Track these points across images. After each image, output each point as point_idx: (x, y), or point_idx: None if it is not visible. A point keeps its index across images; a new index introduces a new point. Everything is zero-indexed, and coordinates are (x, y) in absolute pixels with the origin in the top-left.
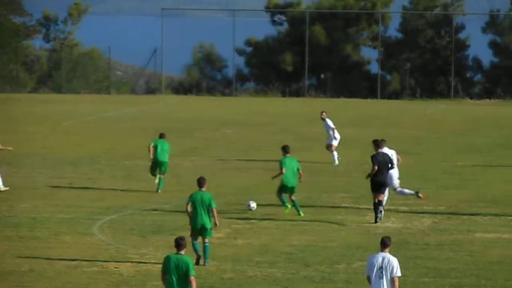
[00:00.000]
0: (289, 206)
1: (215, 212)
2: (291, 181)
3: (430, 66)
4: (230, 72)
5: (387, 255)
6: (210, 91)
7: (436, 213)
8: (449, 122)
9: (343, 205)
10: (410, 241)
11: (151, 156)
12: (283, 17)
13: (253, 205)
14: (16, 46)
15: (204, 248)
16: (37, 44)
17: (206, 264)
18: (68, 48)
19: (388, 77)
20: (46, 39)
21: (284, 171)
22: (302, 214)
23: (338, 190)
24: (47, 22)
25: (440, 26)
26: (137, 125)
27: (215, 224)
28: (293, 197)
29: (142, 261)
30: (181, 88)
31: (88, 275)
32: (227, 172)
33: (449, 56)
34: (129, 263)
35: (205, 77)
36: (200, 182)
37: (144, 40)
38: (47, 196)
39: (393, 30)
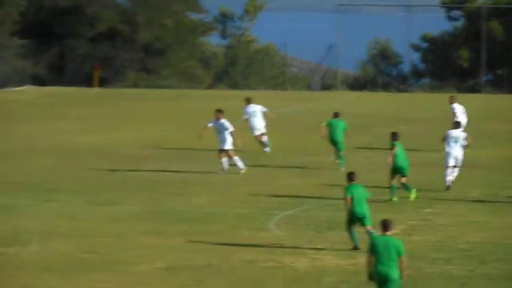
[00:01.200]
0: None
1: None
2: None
3: None
4: (406, 68)
5: None
6: (385, 87)
7: None
8: None
9: None
10: None
11: (323, 134)
12: (459, 13)
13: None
14: (193, 43)
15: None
16: (213, 41)
17: None
18: (244, 45)
19: None
20: (223, 35)
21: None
22: (412, 196)
23: None
24: (224, 18)
25: None
26: (313, 121)
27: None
28: (403, 180)
29: (318, 256)
30: (356, 84)
31: (264, 270)
32: None
33: None
34: (305, 259)
35: (380, 73)
36: (352, 176)
37: (319, 36)
38: (223, 191)
39: None
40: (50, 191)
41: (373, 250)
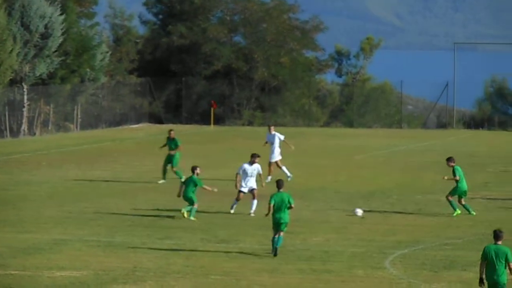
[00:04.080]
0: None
1: None
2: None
3: None
4: None
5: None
6: (502, 125)
7: None
8: None
9: None
10: None
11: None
12: None
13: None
14: (309, 81)
15: None
16: (329, 79)
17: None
18: (360, 83)
19: None
20: (338, 73)
21: (457, 178)
22: (473, 213)
23: None
24: (340, 56)
25: None
26: (429, 159)
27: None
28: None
29: None
30: (473, 123)
31: None
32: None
33: None
34: None
35: (497, 111)
36: (279, 184)
37: (435, 74)
38: (339, 230)
39: None
40: (164, 228)
41: (485, 257)
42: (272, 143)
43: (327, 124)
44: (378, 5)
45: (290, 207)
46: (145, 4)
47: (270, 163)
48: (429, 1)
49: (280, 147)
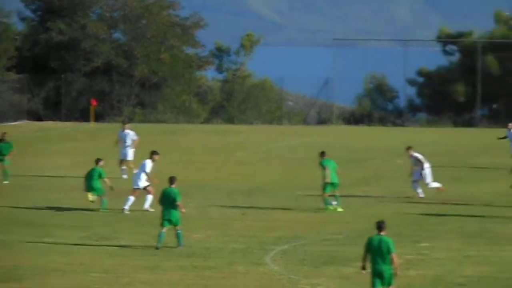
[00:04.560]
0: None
1: None
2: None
3: None
4: (402, 102)
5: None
6: (382, 121)
7: None
8: None
9: None
10: None
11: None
12: (454, 47)
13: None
14: (189, 77)
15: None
16: (209, 75)
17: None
18: (240, 79)
19: None
20: (219, 70)
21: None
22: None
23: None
24: (220, 53)
25: None
26: (309, 155)
27: None
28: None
29: None
30: (353, 119)
31: None
32: (398, 203)
33: None
34: None
35: (377, 107)
36: (171, 180)
37: (315, 70)
38: (220, 226)
39: None
40: (44, 226)
41: (368, 248)
42: (125, 141)
43: (207, 121)
44: (258, 2)
45: (177, 204)
46: (23, 0)
47: (121, 161)
48: None
49: (132, 147)
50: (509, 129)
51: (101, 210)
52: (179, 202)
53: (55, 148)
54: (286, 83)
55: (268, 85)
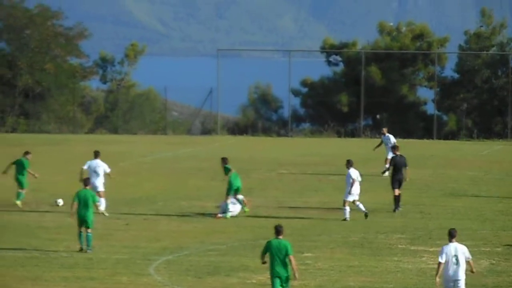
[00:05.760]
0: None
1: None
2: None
3: (487, 106)
4: (286, 112)
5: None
6: (266, 131)
7: (493, 254)
8: (506, 163)
9: (400, 246)
10: (468, 283)
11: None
12: (338, 58)
13: (59, 201)
14: (73, 88)
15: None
16: (94, 85)
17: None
18: (124, 89)
19: (445, 117)
20: (103, 80)
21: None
22: (246, 210)
23: (394, 231)
24: (104, 63)
25: (496, 66)
26: (194, 165)
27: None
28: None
29: None
30: (237, 129)
31: None
32: (282, 213)
33: (506, 96)
34: None
35: (261, 117)
36: (86, 181)
37: (199, 80)
38: (103, 237)
39: (449, 70)
40: None
41: (266, 251)
42: None
43: (92, 131)
44: (142, 11)
45: (94, 204)
46: None
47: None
48: (193, 7)
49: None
50: (383, 134)
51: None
52: (97, 203)
53: None
54: (171, 93)
55: (152, 95)
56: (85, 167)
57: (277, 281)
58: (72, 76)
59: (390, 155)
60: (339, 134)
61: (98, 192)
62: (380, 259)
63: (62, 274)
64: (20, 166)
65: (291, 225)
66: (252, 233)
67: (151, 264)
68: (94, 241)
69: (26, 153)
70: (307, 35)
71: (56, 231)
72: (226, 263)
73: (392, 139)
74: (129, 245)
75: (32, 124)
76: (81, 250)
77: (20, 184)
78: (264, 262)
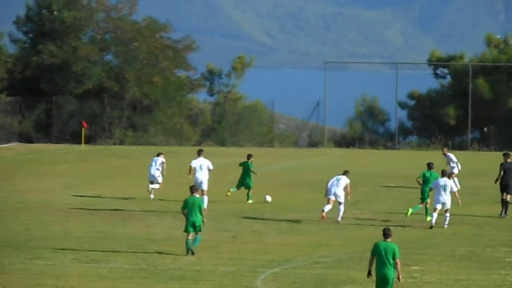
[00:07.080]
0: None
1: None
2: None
3: None
4: (393, 125)
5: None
6: (373, 144)
7: None
8: None
9: (507, 259)
10: None
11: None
12: (446, 70)
13: (268, 198)
14: (181, 100)
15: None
16: (201, 98)
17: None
18: (231, 102)
19: None
20: (210, 92)
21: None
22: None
23: (502, 244)
24: (211, 75)
25: None
26: (301, 178)
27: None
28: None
29: None
30: (344, 141)
31: None
32: (389, 226)
33: None
34: None
35: (368, 130)
36: (192, 188)
37: (306, 93)
38: (211, 249)
39: None
40: (34, 249)
41: (374, 253)
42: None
43: (198, 143)
44: (249, 24)
45: (202, 210)
46: (15, 22)
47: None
48: (300, 20)
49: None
50: (444, 154)
51: None
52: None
53: (46, 170)
54: (277, 106)
55: (259, 108)
56: (193, 165)
57: (382, 282)
58: (180, 88)
59: (456, 171)
60: (446, 147)
61: (202, 190)
62: (488, 273)
63: (170, 286)
64: (246, 169)
65: (398, 238)
66: (359, 246)
67: (258, 277)
68: (202, 252)
69: (249, 156)
70: (414, 48)
71: (163, 242)
72: (333, 276)
73: (454, 158)
74: (236, 257)
75: (139, 136)
76: (187, 252)
77: (246, 186)
78: (369, 273)
